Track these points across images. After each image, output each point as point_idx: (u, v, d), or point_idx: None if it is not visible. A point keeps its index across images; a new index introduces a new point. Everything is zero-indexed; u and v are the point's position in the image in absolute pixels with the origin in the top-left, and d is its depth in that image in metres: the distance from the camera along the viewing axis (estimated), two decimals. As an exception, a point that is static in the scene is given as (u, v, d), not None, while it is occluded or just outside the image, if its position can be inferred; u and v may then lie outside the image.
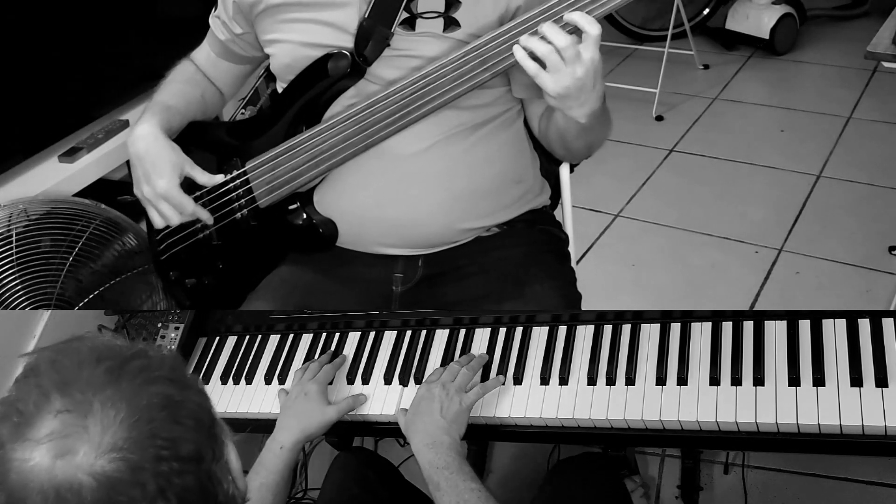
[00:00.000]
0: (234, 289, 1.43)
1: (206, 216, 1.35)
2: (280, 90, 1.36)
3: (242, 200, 1.36)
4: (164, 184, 1.29)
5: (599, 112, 1.20)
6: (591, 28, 1.12)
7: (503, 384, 1.30)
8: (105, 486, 0.62)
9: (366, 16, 1.23)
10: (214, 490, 0.67)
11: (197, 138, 1.39)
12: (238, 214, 1.37)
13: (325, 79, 1.27)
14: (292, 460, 1.26)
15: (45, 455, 0.62)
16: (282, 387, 1.44)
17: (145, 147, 1.31)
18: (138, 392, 0.65)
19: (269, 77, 1.43)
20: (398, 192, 1.29)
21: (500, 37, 1.16)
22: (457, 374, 1.27)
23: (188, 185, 1.34)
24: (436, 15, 1.23)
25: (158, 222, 1.34)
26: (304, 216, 1.34)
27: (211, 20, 1.43)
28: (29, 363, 0.68)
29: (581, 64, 1.12)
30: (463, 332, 1.41)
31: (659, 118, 3.24)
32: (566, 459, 1.39)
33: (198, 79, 1.46)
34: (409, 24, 1.24)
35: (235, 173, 1.35)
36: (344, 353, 1.48)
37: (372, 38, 1.23)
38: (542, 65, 1.12)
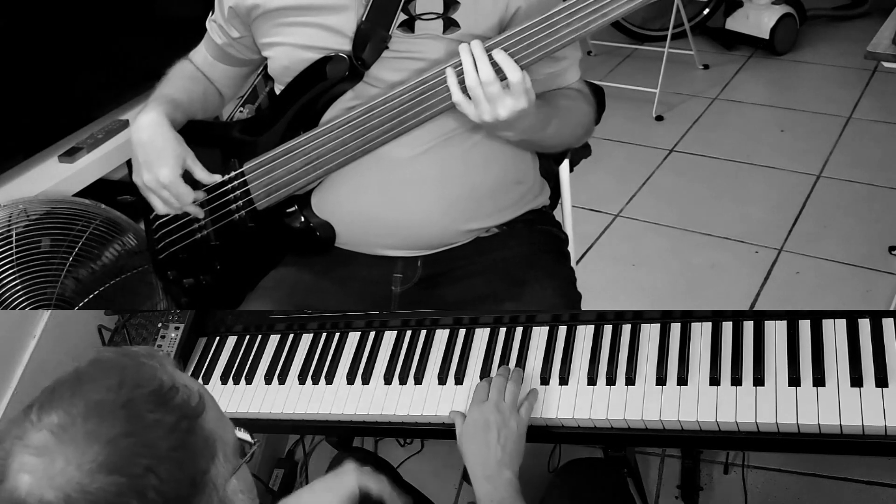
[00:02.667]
0: (232, 290, 1.43)
1: (198, 213, 1.36)
2: (278, 91, 1.36)
3: (240, 202, 1.36)
4: (167, 172, 1.29)
5: (533, 133, 1.22)
6: (512, 74, 1.12)
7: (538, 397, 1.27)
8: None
9: (363, 19, 1.23)
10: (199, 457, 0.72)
11: (195, 137, 1.39)
12: (236, 216, 1.37)
13: (322, 82, 1.27)
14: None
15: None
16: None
17: (150, 135, 1.30)
18: (119, 437, 0.69)
19: (268, 76, 1.42)
20: (396, 195, 1.29)
21: (501, 42, 1.15)
22: (503, 390, 1.23)
23: (187, 182, 1.33)
24: (435, 16, 1.23)
25: (161, 209, 1.35)
26: (302, 219, 1.34)
27: (208, 24, 1.43)
28: (77, 367, 0.75)
29: (504, 107, 1.13)
30: (463, 332, 1.41)
31: (659, 118, 3.24)
32: (572, 462, 1.39)
33: (198, 77, 1.46)
34: (409, 26, 1.24)
35: (233, 174, 1.35)
36: (344, 353, 1.48)
37: (370, 40, 1.23)
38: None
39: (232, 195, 1.36)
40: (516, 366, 1.32)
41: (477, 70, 1.13)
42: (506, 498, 1.11)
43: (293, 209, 1.35)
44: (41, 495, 0.66)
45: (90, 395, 0.70)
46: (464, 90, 1.16)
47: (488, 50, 1.14)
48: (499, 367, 1.33)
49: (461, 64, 1.15)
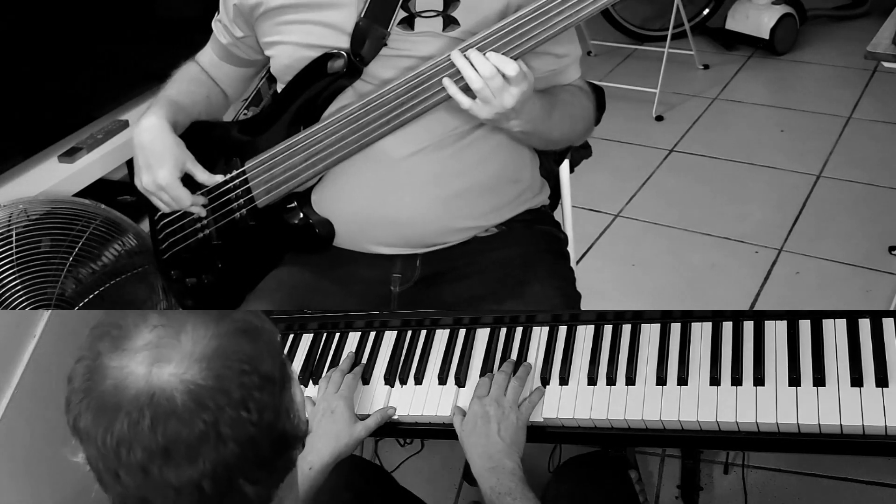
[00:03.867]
0: (234, 288, 1.43)
1: (200, 211, 1.37)
2: (279, 90, 1.36)
3: (241, 200, 1.37)
4: (165, 175, 1.30)
5: (537, 122, 1.23)
6: (508, 69, 1.13)
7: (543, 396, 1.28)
8: (194, 392, 0.66)
9: (361, 15, 1.23)
10: (284, 413, 0.72)
11: (198, 137, 1.39)
12: (237, 214, 1.38)
13: (321, 79, 1.27)
14: (321, 481, 1.23)
15: (141, 363, 0.67)
16: (308, 395, 1.41)
17: (150, 138, 1.31)
18: (224, 317, 0.71)
19: (272, 78, 1.43)
20: (393, 193, 1.29)
21: (494, 34, 1.16)
22: (505, 387, 1.25)
23: (189, 184, 1.34)
24: (435, 14, 1.23)
25: (164, 208, 1.36)
26: (301, 216, 1.35)
27: (214, 24, 1.43)
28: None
29: (510, 95, 1.14)
30: (463, 332, 1.41)
31: (659, 118, 3.24)
32: (574, 458, 1.39)
33: (203, 79, 1.47)
34: (408, 23, 1.24)
35: (234, 173, 1.36)
36: (344, 353, 1.47)
37: (368, 37, 1.23)
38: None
39: (233, 193, 1.37)
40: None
41: (478, 70, 1.13)
42: (513, 489, 1.12)
43: (293, 206, 1.35)
44: (182, 374, 0.66)
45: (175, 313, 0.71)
46: (468, 94, 1.16)
47: (479, 51, 1.15)
48: (499, 367, 1.33)
49: (456, 72, 1.16)
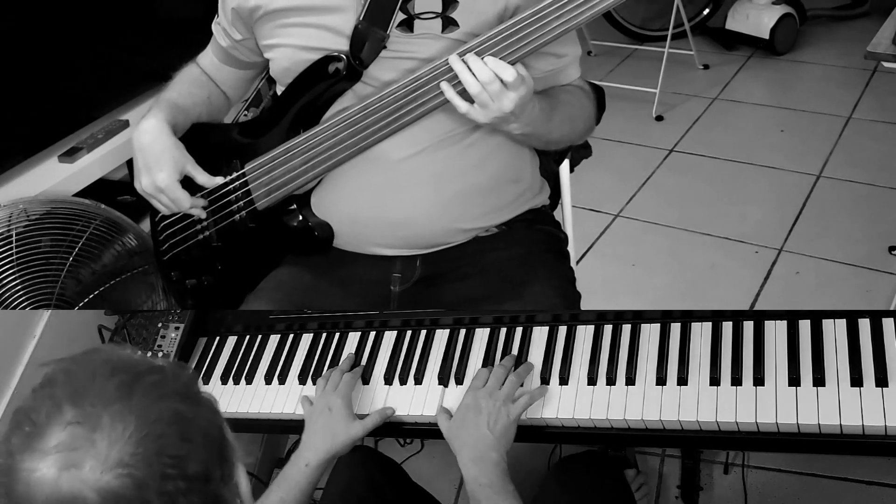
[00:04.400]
0: (233, 290, 1.43)
1: (199, 213, 1.37)
2: (279, 92, 1.36)
3: (241, 202, 1.37)
4: (164, 177, 1.30)
5: (537, 124, 1.22)
6: (506, 74, 1.13)
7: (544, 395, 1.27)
8: (109, 501, 0.62)
9: (360, 18, 1.23)
10: None
11: (199, 139, 1.39)
12: (237, 216, 1.37)
13: (321, 82, 1.27)
14: (316, 478, 1.24)
15: (51, 467, 0.62)
16: (305, 394, 1.42)
17: (150, 140, 1.31)
18: (149, 407, 0.65)
19: (272, 79, 1.43)
20: (393, 195, 1.29)
21: (493, 38, 1.16)
22: (502, 381, 1.25)
23: (189, 186, 1.34)
24: (434, 15, 1.23)
25: (164, 210, 1.37)
26: (301, 218, 1.35)
27: (213, 26, 1.43)
28: (47, 374, 0.68)
29: (508, 99, 1.15)
30: (463, 332, 1.41)
31: (659, 118, 3.24)
32: (569, 457, 1.39)
33: (204, 81, 1.47)
34: (408, 25, 1.24)
35: (234, 175, 1.36)
36: (344, 353, 1.48)
37: (367, 40, 1.23)
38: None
39: (233, 196, 1.37)
40: (516, 366, 1.32)
41: (476, 75, 1.14)
42: (494, 481, 1.12)
43: (292, 208, 1.35)
44: (96, 482, 0.61)
45: (93, 386, 0.65)
46: (465, 99, 1.16)
47: (478, 55, 1.15)
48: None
49: (455, 76, 1.16)
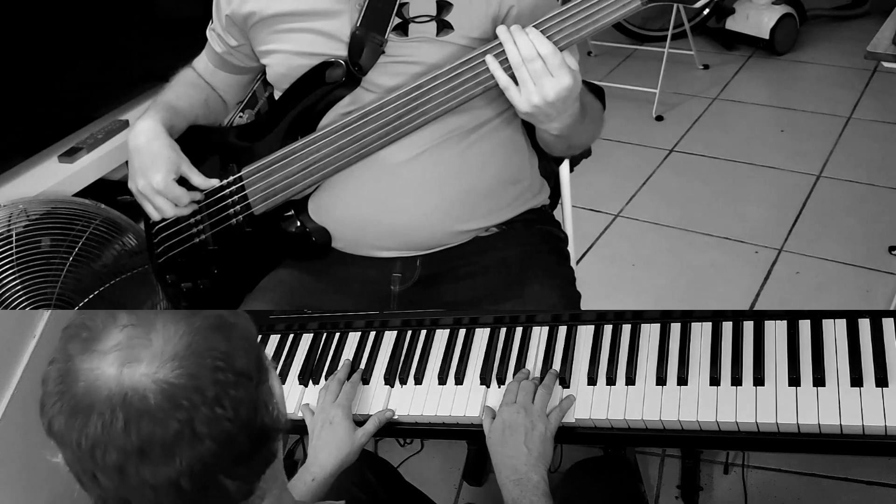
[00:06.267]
0: (230, 294, 1.43)
1: (191, 207, 1.36)
2: (277, 97, 1.36)
3: (237, 207, 1.36)
4: (160, 178, 1.30)
5: (576, 123, 1.19)
6: (542, 47, 1.10)
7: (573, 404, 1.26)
8: (167, 391, 0.66)
9: (358, 24, 1.22)
10: (262, 407, 0.71)
11: (195, 142, 1.39)
12: (233, 220, 1.37)
13: (319, 88, 1.27)
14: (322, 493, 1.23)
15: (111, 364, 0.66)
16: (305, 402, 1.41)
17: (145, 141, 1.31)
18: (195, 314, 0.70)
19: (267, 81, 1.43)
20: (393, 198, 1.29)
21: (494, 50, 1.15)
22: (533, 394, 1.23)
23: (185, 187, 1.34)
24: (428, 19, 1.23)
25: (155, 215, 1.35)
26: (298, 224, 1.34)
27: (208, 33, 1.43)
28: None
29: (550, 85, 1.11)
30: (463, 332, 1.41)
31: (659, 118, 3.24)
32: (581, 462, 1.39)
33: (201, 84, 1.47)
34: (402, 29, 1.24)
35: (231, 179, 1.35)
36: (344, 353, 1.48)
37: (366, 46, 1.23)
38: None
39: (230, 200, 1.36)
40: (516, 365, 1.32)
41: (518, 48, 1.11)
42: (535, 502, 1.10)
43: (289, 214, 1.35)
44: (154, 374, 0.65)
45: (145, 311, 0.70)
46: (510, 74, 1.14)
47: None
48: (498, 367, 1.33)
49: (501, 50, 1.13)
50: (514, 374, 1.31)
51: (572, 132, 1.21)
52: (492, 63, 1.15)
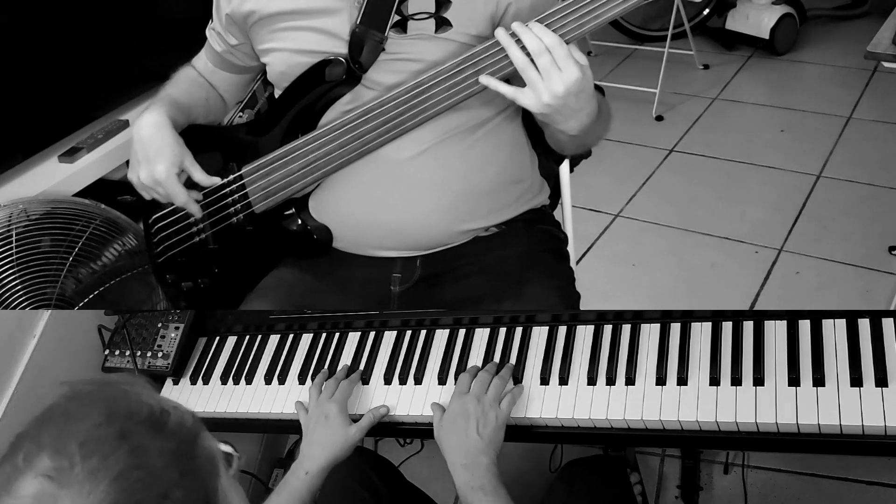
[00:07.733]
0: (230, 292, 1.43)
1: (195, 209, 1.35)
2: (277, 95, 1.36)
3: (238, 205, 1.36)
4: (163, 170, 1.29)
5: (593, 122, 1.17)
6: (548, 38, 1.08)
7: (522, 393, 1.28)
8: None
9: (357, 21, 1.22)
10: None
11: (195, 141, 1.39)
12: (234, 219, 1.37)
13: (319, 86, 1.27)
14: (316, 486, 1.25)
15: None
16: (299, 399, 1.42)
17: (150, 133, 1.31)
18: (127, 471, 0.64)
19: (267, 81, 1.43)
20: (394, 197, 1.29)
21: (494, 46, 1.15)
22: (488, 385, 1.25)
23: (186, 185, 1.34)
24: (427, 16, 1.23)
25: (158, 199, 1.35)
26: (299, 222, 1.34)
27: (207, 32, 1.43)
28: (50, 405, 0.68)
29: (559, 80, 1.08)
30: (463, 332, 1.41)
31: (659, 118, 3.24)
32: (575, 461, 1.39)
33: (201, 82, 1.47)
34: (401, 26, 1.23)
35: (231, 177, 1.35)
36: (344, 353, 1.48)
37: (366, 43, 1.23)
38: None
39: (230, 198, 1.36)
40: (516, 366, 1.32)
41: (526, 44, 1.09)
42: (485, 484, 1.13)
43: (290, 212, 1.35)
44: None
45: (81, 433, 0.64)
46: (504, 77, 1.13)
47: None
48: (498, 367, 1.33)
49: (501, 48, 1.11)
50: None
51: (588, 131, 1.19)
52: (490, 81, 1.13)
